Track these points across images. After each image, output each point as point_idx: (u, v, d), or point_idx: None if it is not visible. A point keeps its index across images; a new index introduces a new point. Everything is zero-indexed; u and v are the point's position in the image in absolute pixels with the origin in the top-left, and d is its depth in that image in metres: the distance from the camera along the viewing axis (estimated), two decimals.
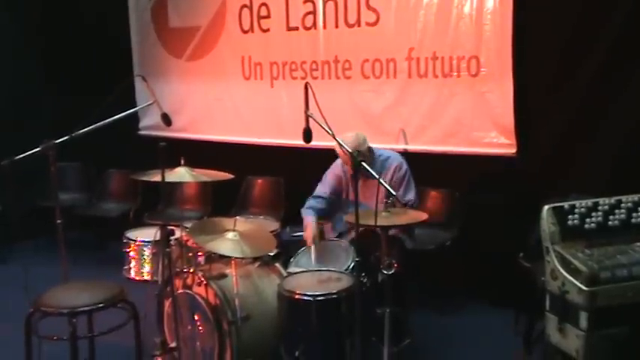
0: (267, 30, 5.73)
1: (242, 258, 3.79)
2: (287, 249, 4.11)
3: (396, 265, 3.54)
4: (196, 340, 3.69)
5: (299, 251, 4.05)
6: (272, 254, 3.91)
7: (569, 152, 4.45)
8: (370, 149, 4.29)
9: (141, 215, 5.88)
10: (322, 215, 4.35)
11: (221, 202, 5.91)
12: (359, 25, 5.19)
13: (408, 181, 4.28)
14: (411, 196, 4.24)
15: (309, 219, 4.21)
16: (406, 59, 5.00)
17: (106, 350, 3.78)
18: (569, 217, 3.23)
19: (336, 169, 4.45)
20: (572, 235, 3.20)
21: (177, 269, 3.80)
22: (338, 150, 4.13)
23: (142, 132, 6.67)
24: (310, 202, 4.37)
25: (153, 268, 4.55)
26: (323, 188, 4.42)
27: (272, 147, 5.81)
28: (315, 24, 5.43)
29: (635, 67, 4.15)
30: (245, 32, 5.86)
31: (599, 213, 3.27)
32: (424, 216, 3.86)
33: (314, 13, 5.41)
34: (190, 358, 3.72)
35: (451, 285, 4.91)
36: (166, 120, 4.38)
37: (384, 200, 3.64)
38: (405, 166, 4.30)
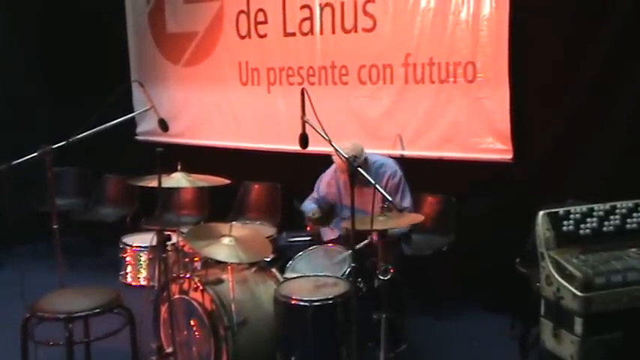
0: (264, 36, 5.74)
1: (238, 264, 3.79)
2: (284, 254, 4.11)
3: (392, 271, 3.54)
4: (192, 345, 3.68)
5: (295, 256, 4.05)
6: (268, 259, 3.92)
7: (565, 158, 4.46)
8: (365, 159, 4.29)
9: (138, 220, 5.87)
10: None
11: (218, 207, 5.91)
12: (356, 31, 5.20)
13: (403, 188, 4.29)
14: (406, 203, 4.25)
15: (310, 205, 4.46)
16: (403, 65, 5.02)
17: (102, 356, 3.78)
18: (564, 222, 3.24)
19: (327, 176, 4.49)
20: (567, 240, 3.21)
21: (174, 274, 3.81)
22: (335, 157, 4.16)
23: (139, 137, 6.68)
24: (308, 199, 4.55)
25: (149, 274, 4.55)
26: (315, 194, 4.55)
27: (269, 152, 5.82)
28: (312, 30, 5.44)
29: (631, 73, 4.17)
30: (242, 38, 5.88)
31: (594, 219, 3.27)
32: (420, 218, 3.87)
33: (311, 18, 5.42)
34: None
35: (447, 290, 4.91)
36: (163, 125, 4.38)
37: (381, 206, 3.65)
38: (399, 173, 4.31)
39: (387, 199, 3.49)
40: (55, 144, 3.98)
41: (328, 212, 4.55)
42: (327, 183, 4.50)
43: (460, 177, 4.87)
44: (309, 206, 4.48)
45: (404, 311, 4.08)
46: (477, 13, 4.64)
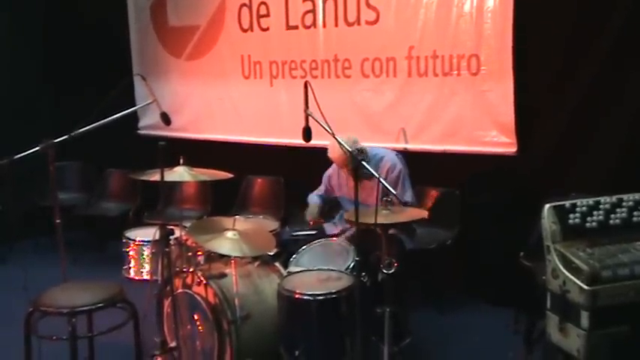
0: (267, 29, 5.72)
1: (241, 257, 3.78)
2: (287, 248, 4.10)
3: (396, 265, 3.53)
4: (196, 339, 3.68)
5: (299, 250, 4.04)
6: (272, 253, 3.91)
7: (569, 151, 4.44)
8: (363, 150, 4.26)
9: (140, 215, 5.88)
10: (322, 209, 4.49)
11: (221, 201, 5.90)
12: (359, 24, 5.18)
13: (403, 181, 4.25)
14: (408, 197, 4.21)
15: (314, 199, 4.47)
16: (406, 58, 4.99)
17: (106, 350, 3.77)
18: (571, 215, 3.21)
19: (331, 169, 4.47)
20: (573, 233, 3.18)
21: (177, 269, 3.79)
22: (332, 154, 4.13)
23: (142, 131, 6.67)
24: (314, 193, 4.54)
25: (152, 268, 4.56)
26: (323, 187, 4.54)
27: (272, 146, 5.80)
28: (314, 23, 5.42)
29: (636, 65, 4.14)
30: (244, 31, 5.86)
31: (601, 212, 3.25)
32: (424, 213, 3.85)
33: (313, 11, 5.40)
34: (190, 357, 3.71)
35: (451, 284, 4.90)
36: (165, 119, 4.37)
37: (384, 200, 3.64)
38: (399, 166, 4.26)
39: (392, 193, 3.48)
40: (57, 138, 3.97)
41: (333, 207, 4.53)
42: (330, 176, 4.49)
43: (464, 170, 4.85)
44: (313, 200, 4.47)
45: (407, 305, 4.07)
46: (480, 5, 4.61)
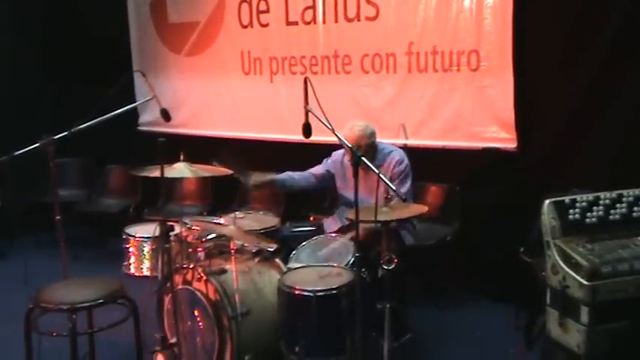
0: (267, 25, 5.71)
1: (242, 253, 3.78)
2: (287, 244, 4.10)
3: (396, 260, 3.53)
4: (196, 335, 3.68)
5: (299, 246, 4.04)
6: (272, 249, 3.91)
7: (570, 146, 4.43)
8: (375, 143, 4.28)
9: (140, 211, 5.87)
10: (290, 184, 4.48)
11: (221, 197, 5.90)
12: (358, 20, 5.17)
13: (405, 176, 4.27)
14: (403, 189, 4.21)
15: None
16: (406, 54, 4.98)
17: (106, 346, 3.77)
18: (570, 211, 3.22)
19: (336, 156, 4.46)
20: (573, 229, 3.19)
21: (177, 265, 3.80)
22: (352, 135, 4.15)
23: (142, 127, 6.66)
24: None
25: (152, 264, 4.53)
26: (314, 170, 4.51)
27: (271, 142, 5.80)
28: (314, 18, 5.41)
29: (636, 62, 4.14)
30: (244, 27, 5.85)
31: (600, 207, 3.25)
32: (424, 209, 3.85)
33: (313, 7, 5.39)
34: (190, 353, 3.71)
35: (451, 280, 4.91)
36: (165, 115, 4.37)
37: (385, 195, 3.64)
38: (405, 162, 4.30)
39: (392, 189, 3.49)
40: (57, 135, 3.97)
41: (332, 201, 4.53)
42: (332, 162, 4.47)
43: (464, 166, 4.85)
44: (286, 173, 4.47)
45: (407, 301, 4.07)
46: (480, 1, 4.61)
